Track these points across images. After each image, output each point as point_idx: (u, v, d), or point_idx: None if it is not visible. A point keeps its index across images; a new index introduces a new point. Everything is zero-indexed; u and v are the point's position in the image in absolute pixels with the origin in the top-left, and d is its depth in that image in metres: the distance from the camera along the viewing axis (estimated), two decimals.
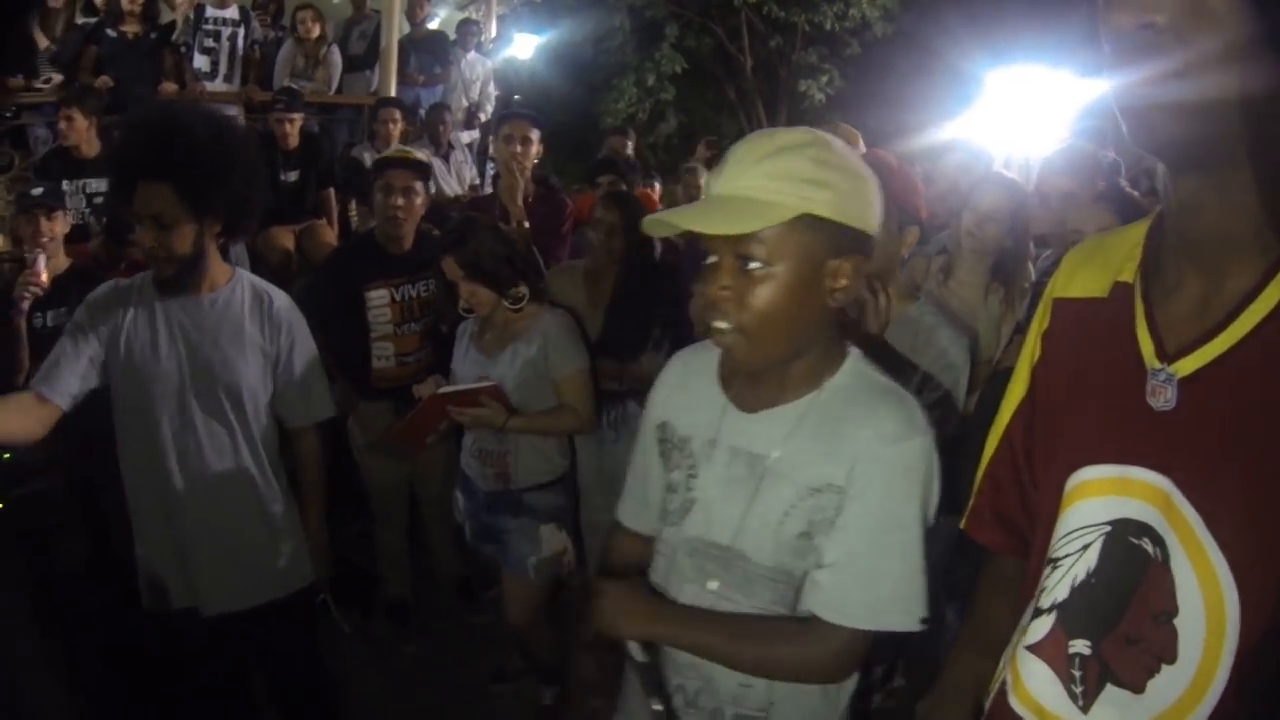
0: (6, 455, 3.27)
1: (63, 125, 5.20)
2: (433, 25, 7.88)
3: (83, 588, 3.19)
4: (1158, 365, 1.05)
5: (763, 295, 1.30)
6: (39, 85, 6.33)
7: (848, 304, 1.36)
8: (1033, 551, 1.21)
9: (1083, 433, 1.13)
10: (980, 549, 1.39)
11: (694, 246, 4.27)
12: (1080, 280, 1.20)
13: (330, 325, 2.60)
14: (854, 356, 1.42)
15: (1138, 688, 1.05)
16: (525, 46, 8.42)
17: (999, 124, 5.23)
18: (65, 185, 4.88)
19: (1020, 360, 1.30)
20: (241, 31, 6.60)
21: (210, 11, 6.55)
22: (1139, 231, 1.16)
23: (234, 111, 6.03)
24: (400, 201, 3.47)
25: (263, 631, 2.51)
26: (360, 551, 3.92)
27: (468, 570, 4.06)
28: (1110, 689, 1.07)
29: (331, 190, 5.54)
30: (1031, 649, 1.15)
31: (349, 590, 2.77)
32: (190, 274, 2.31)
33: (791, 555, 1.38)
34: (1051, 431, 1.20)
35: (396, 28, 6.99)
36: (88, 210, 5.09)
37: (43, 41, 6.38)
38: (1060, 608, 1.12)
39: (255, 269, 2.65)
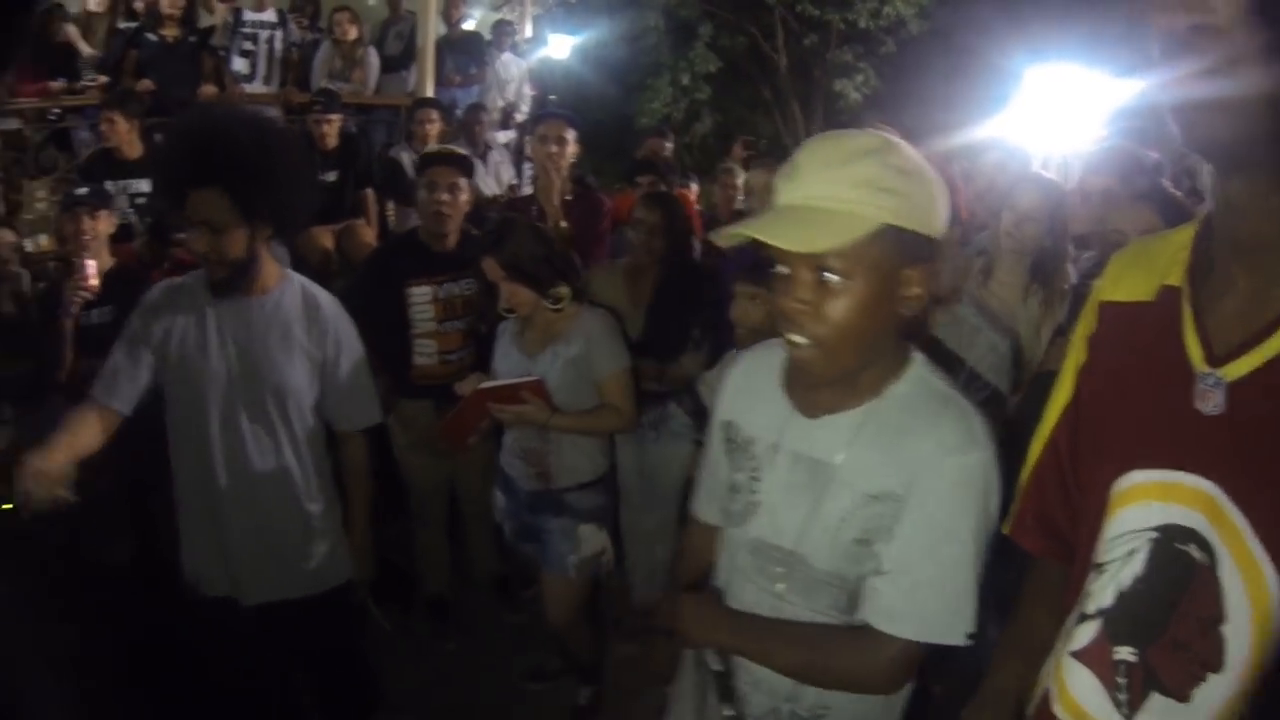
0: None
1: (105, 128, 5.29)
2: (468, 26, 7.92)
3: (129, 583, 3.24)
4: (1206, 370, 1.04)
5: (840, 308, 1.28)
6: (83, 87, 6.43)
7: (918, 311, 1.35)
8: (1077, 557, 1.20)
9: (1129, 438, 1.12)
10: (1022, 554, 1.38)
11: (736, 249, 4.27)
12: (1126, 284, 1.19)
13: (371, 322, 2.61)
14: (918, 363, 1.42)
15: (1183, 696, 1.04)
16: (560, 47, 8.44)
17: (1036, 122, 5.17)
18: (109, 186, 4.97)
19: (1065, 364, 1.28)
20: (279, 34, 6.67)
21: (248, 15, 6.63)
22: (1186, 235, 1.14)
23: (273, 113, 6.08)
24: (445, 198, 3.48)
25: (302, 625, 2.53)
26: (399, 549, 3.95)
27: (506, 569, 4.08)
28: (1155, 697, 1.06)
29: (370, 190, 5.58)
30: (1076, 655, 1.14)
31: (388, 588, 2.79)
32: (243, 277, 2.34)
33: (849, 561, 1.38)
34: (1097, 436, 1.19)
35: (433, 29, 7.02)
36: (131, 210, 5.17)
37: (85, 46, 6.48)
38: (1105, 614, 1.11)
39: (295, 268, 2.67)
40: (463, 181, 3.56)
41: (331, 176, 5.37)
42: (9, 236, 4.78)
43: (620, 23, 12.08)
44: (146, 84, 6.12)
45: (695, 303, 3.53)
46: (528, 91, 7.53)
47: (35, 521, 3.12)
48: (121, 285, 3.73)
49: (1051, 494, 1.30)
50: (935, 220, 1.31)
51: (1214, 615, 1.02)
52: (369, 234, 4.04)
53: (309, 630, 2.56)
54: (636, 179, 4.83)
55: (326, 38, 6.89)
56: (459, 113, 6.54)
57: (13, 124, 6.51)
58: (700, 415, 3.29)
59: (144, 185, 5.10)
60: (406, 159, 5.57)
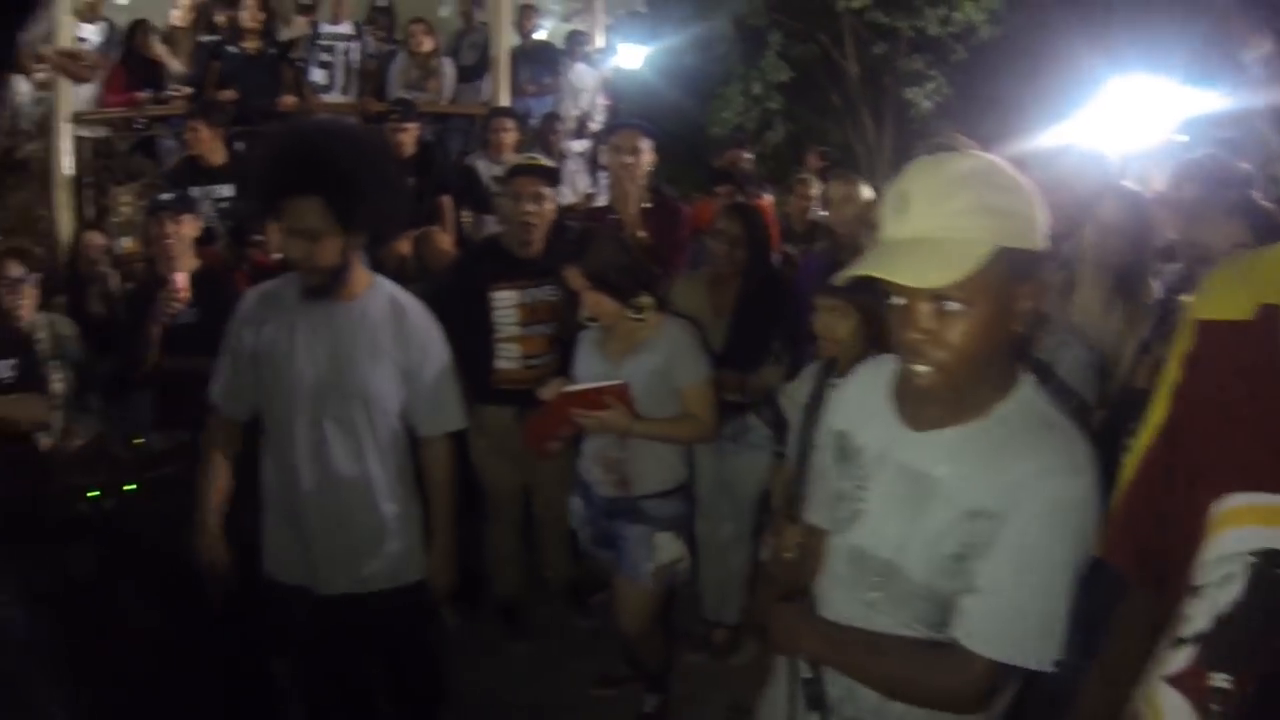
0: (139, 440, 3.45)
1: (190, 136, 5.45)
2: (540, 36, 7.99)
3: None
4: None
5: (961, 334, 1.31)
6: (168, 97, 6.62)
7: (1029, 326, 1.38)
8: (1172, 580, 1.17)
9: (1229, 460, 1.08)
10: (1110, 578, 1.35)
11: (811, 260, 4.26)
12: (1223, 302, 1.16)
13: (454, 326, 2.65)
14: (1027, 384, 1.42)
15: None
16: (632, 56, 8.46)
17: (1110, 130, 5.08)
18: (194, 191, 5.12)
19: (1160, 383, 1.26)
20: (356, 46, 6.79)
21: (325, 28, 6.78)
22: None
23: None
24: (531, 208, 3.55)
25: (374, 618, 2.59)
26: (470, 550, 4.00)
27: (577, 575, 4.11)
28: None
29: (447, 198, 5.64)
30: (1170, 681, 1.10)
31: (459, 588, 2.83)
32: (334, 283, 2.40)
33: (943, 576, 1.39)
34: (1195, 458, 1.15)
35: (506, 39, 7.09)
36: (215, 215, 5.30)
37: (172, 59, 6.67)
38: (1201, 639, 1.07)
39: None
40: (548, 191, 3.62)
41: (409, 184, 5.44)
42: (98, 239, 4.95)
43: (691, 32, 12.07)
44: (229, 94, 6.28)
45: (776, 314, 3.53)
46: (601, 101, 7.56)
47: (122, 509, 3.25)
48: (206, 287, 3.85)
49: (1146, 516, 1.27)
50: (1039, 234, 1.33)
51: None
52: (446, 240, 4.10)
53: (381, 623, 2.62)
54: (715, 189, 4.83)
55: (402, 49, 6.99)
56: (533, 122, 6.60)
57: (102, 133, 6.73)
58: (780, 427, 3.28)
59: (226, 190, 5.24)
60: (482, 167, 5.65)
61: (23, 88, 6.75)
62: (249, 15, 6.41)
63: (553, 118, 6.79)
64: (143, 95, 6.75)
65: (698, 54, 12.52)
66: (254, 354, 2.48)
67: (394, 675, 2.79)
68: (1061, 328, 2.92)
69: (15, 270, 3.85)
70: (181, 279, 3.77)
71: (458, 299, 3.49)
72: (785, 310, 3.52)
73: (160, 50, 6.76)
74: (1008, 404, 1.39)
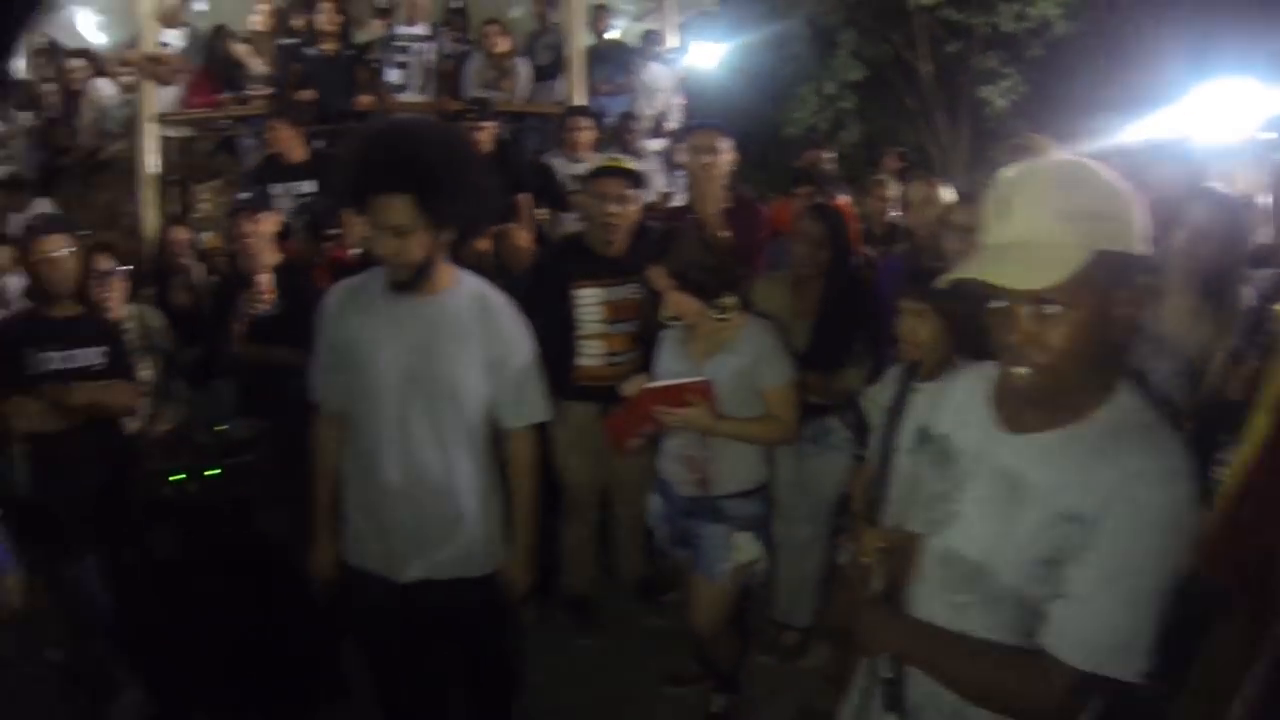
0: (222, 428, 3.53)
1: (271, 135, 5.56)
2: (613, 36, 8.01)
3: (280, 551, 3.39)
4: None
5: (1061, 337, 1.32)
6: (248, 97, 6.76)
7: (1130, 330, 1.38)
8: (1271, 595, 1.12)
9: None
10: (1199, 591, 1.31)
11: (891, 262, 4.19)
12: None
13: (537, 323, 2.66)
14: (1126, 390, 1.41)
15: None
16: (705, 55, 8.43)
17: (1193, 128, 4.93)
18: (276, 188, 5.22)
19: (1262, 396, 1.21)
20: (431, 46, 6.84)
21: (400, 29, 6.83)
22: None
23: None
24: (614, 209, 3.58)
25: (451, 606, 2.61)
26: (545, 544, 4.02)
27: (649, 573, 4.10)
28: None
29: (525, 195, 5.66)
30: None
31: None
32: (421, 278, 2.42)
33: (1033, 580, 1.37)
34: None
35: (580, 38, 7.11)
36: (292, 210, 5.38)
37: (255, 61, 6.81)
38: None
39: None
40: (631, 192, 3.65)
41: None
42: (183, 234, 5.07)
43: (763, 31, 11.98)
44: (308, 94, 6.39)
45: (859, 316, 3.51)
46: (677, 100, 7.55)
47: (204, 493, 3.33)
48: (287, 281, 3.93)
49: (1245, 529, 1.22)
50: (1139, 239, 1.33)
51: None
52: (524, 238, 4.14)
53: (458, 613, 2.64)
54: (794, 189, 4.78)
55: (476, 49, 7.04)
56: (608, 120, 6.60)
57: (185, 133, 6.90)
58: (861, 430, 3.25)
59: (307, 186, 5.34)
60: (559, 165, 5.69)
61: (109, 91, 6.97)
62: (326, 19, 6.52)
63: (629, 117, 6.80)
64: (224, 97, 6.93)
65: (770, 53, 12.41)
66: (341, 347, 2.51)
67: (469, 665, 2.81)
68: (1152, 335, 2.83)
69: (105, 264, 3.97)
70: (265, 279, 3.87)
71: (541, 296, 3.52)
72: (867, 312, 3.49)
73: (242, 51, 6.91)
74: (1106, 409, 1.38)
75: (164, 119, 6.63)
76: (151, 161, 6.47)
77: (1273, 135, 4.89)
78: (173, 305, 4.59)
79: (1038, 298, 1.30)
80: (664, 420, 2.89)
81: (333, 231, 4.95)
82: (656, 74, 7.52)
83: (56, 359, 3.38)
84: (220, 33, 7.15)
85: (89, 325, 3.55)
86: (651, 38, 7.82)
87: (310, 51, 6.63)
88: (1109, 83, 11.69)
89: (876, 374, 3.14)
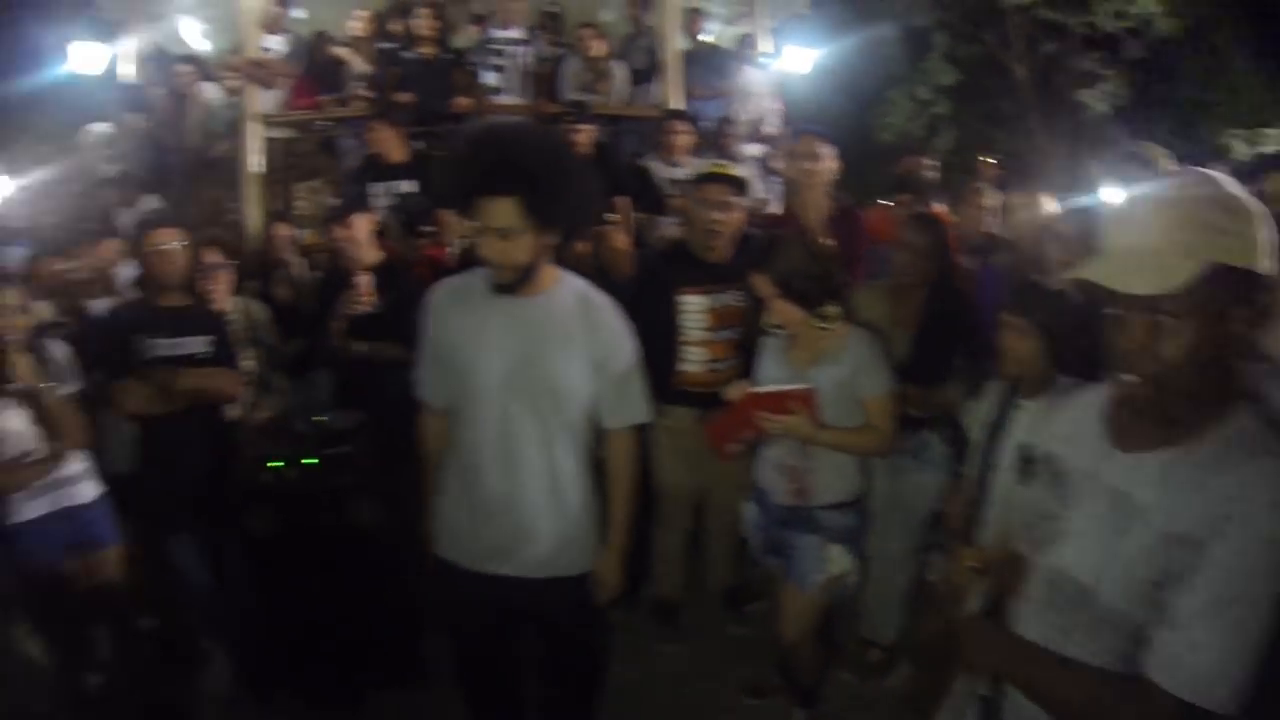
0: (321, 419, 3.62)
1: (371, 136, 5.67)
2: (708, 39, 7.99)
3: (370, 540, 3.48)
4: None
5: (1173, 348, 1.31)
6: (348, 98, 6.91)
7: (1248, 350, 1.35)
8: None
9: None
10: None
11: (990, 273, 4.09)
12: None
13: (640, 327, 2.66)
14: (1244, 411, 1.37)
15: None
16: (798, 60, 8.35)
17: None
18: (376, 188, 5.33)
19: None
20: (528, 50, 6.90)
21: (496, 33, 6.90)
22: None
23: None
24: (719, 215, 3.57)
25: (543, 605, 2.63)
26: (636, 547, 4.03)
27: (737, 582, 4.08)
28: None
29: (624, 199, 5.67)
30: None
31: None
32: (525, 279, 2.44)
33: (1139, 602, 1.35)
34: None
35: (676, 42, 7.10)
36: (389, 209, 5.47)
37: (358, 62, 6.97)
38: None
39: None
40: (736, 199, 3.63)
41: None
42: (285, 230, 5.20)
43: (854, 34, 11.81)
44: (406, 96, 6.49)
45: (960, 329, 3.43)
46: (774, 105, 7.48)
47: (301, 480, 3.41)
48: (387, 279, 4.01)
49: None
50: (1262, 256, 1.31)
51: None
52: (623, 240, 4.16)
53: (548, 609, 2.66)
54: (893, 197, 4.71)
55: (572, 52, 7.09)
56: (704, 124, 6.57)
57: (287, 134, 7.09)
58: (959, 445, 3.17)
59: (406, 186, 5.44)
60: (656, 169, 5.69)
61: (214, 94, 7.21)
62: (424, 24, 6.63)
63: (726, 122, 6.77)
64: (324, 99, 7.09)
65: (860, 57, 12.23)
66: (445, 347, 2.55)
67: (554, 662, 2.83)
68: (1272, 356, 2.71)
69: (212, 258, 4.09)
70: (364, 280, 3.95)
71: (645, 301, 3.50)
72: (969, 325, 3.42)
73: (343, 52, 7.07)
74: (1221, 429, 1.34)
75: (267, 120, 6.80)
76: (255, 161, 6.64)
77: None
78: (275, 299, 4.70)
79: (1150, 306, 1.29)
80: (765, 426, 2.87)
81: (427, 229, 5.03)
82: (752, 78, 7.46)
83: (164, 346, 3.53)
84: (321, 38, 7.34)
85: (196, 315, 3.69)
86: (747, 41, 7.77)
87: (408, 55, 6.74)
88: (1216, 85, 11.23)
89: (976, 388, 3.07)
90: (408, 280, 4.01)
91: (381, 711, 3.47)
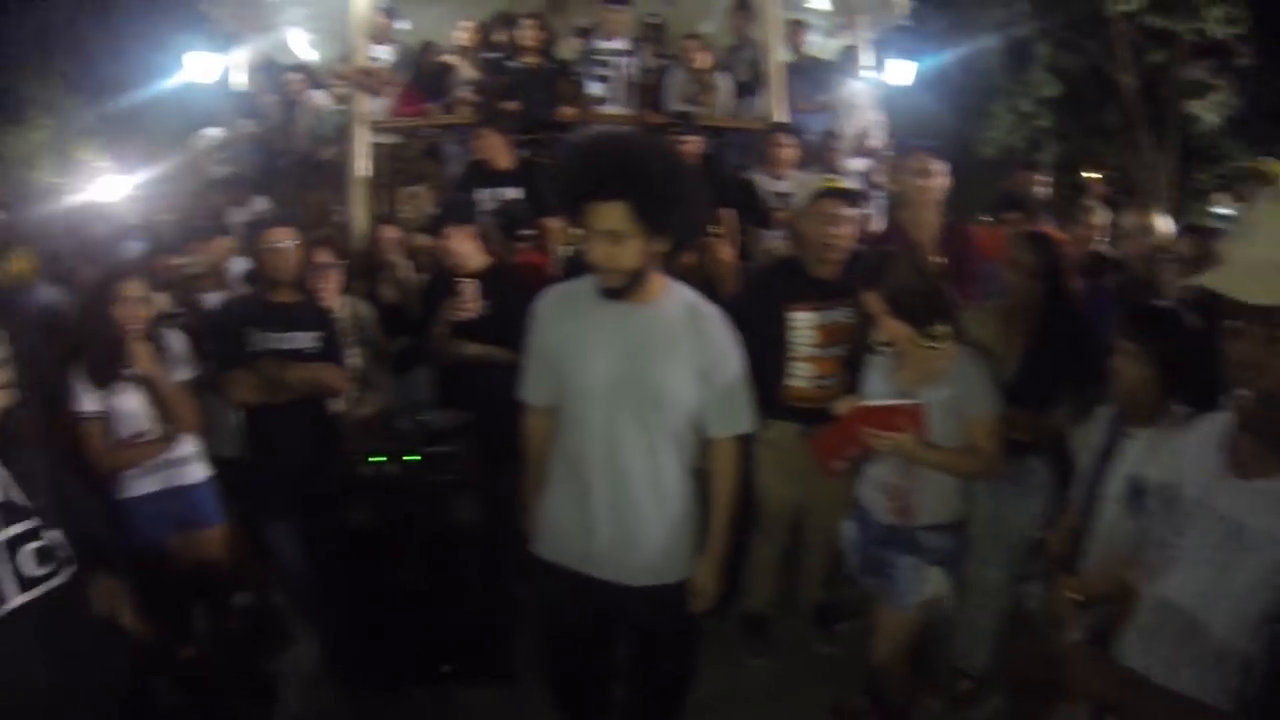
0: (425, 417, 3.70)
1: (477, 143, 5.77)
2: (811, 51, 7.95)
3: (468, 537, 3.53)
4: None
5: None
6: (454, 104, 7.05)
7: None
8: None
9: None
10: None
11: (1100, 295, 3.97)
12: None
13: (748, 340, 2.67)
14: None
15: None
16: (900, 72, 8.25)
17: None
18: (482, 193, 5.42)
19: None
20: (633, 60, 6.95)
21: (600, 44, 6.97)
22: None
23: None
24: (834, 230, 3.55)
25: (641, 608, 2.66)
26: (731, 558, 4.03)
27: (829, 599, 4.05)
28: None
29: (729, 211, 5.67)
30: None
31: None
32: (634, 286, 2.47)
33: (1249, 636, 1.31)
34: None
35: (778, 55, 7.09)
36: (489, 214, 5.55)
37: (468, 69, 7.11)
38: None
39: None
40: (850, 214, 3.60)
41: None
42: (392, 232, 5.33)
43: (955, 46, 11.59)
44: (512, 105, 6.60)
45: (1072, 352, 3.29)
46: (877, 118, 7.42)
47: (402, 475, 3.50)
48: (492, 281, 4.09)
49: None
50: None
51: None
52: (728, 252, 4.16)
53: (644, 614, 2.69)
54: (1002, 215, 4.61)
55: (676, 64, 7.12)
56: (807, 137, 6.55)
57: (394, 139, 7.27)
58: (1064, 471, 3.08)
59: (512, 192, 5.52)
60: (761, 181, 5.67)
61: (323, 101, 7.44)
62: (529, 34, 6.72)
63: (831, 135, 6.73)
64: (430, 106, 7.25)
65: (961, 69, 11.98)
66: (552, 352, 2.59)
67: (644, 667, 2.85)
68: None
69: (323, 257, 4.23)
70: (470, 288, 4.03)
71: (754, 315, 3.45)
72: (1080, 349, 3.29)
73: (452, 59, 7.22)
74: None
75: (375, 126, 6.98)
76: (362, 165, 6.82)
77: None
78: (381, 299, 4.82)
79: (1268, 320, 1.27)
80: (872, 442, 2.85)
81: (526, 233, 5.10)
82: (856, 91, 7.42)
83: (274, 339, 3.69)
84: (427, 48, 7.52)
85: (305, 311, 3.84)
86: (848, 54, 7.72)
87: (514, 64, 6.84)
88: None
89: (1084, 414, 2.99)
90: (512, 284, 4.08)
91: (469, 708, 3.53)
